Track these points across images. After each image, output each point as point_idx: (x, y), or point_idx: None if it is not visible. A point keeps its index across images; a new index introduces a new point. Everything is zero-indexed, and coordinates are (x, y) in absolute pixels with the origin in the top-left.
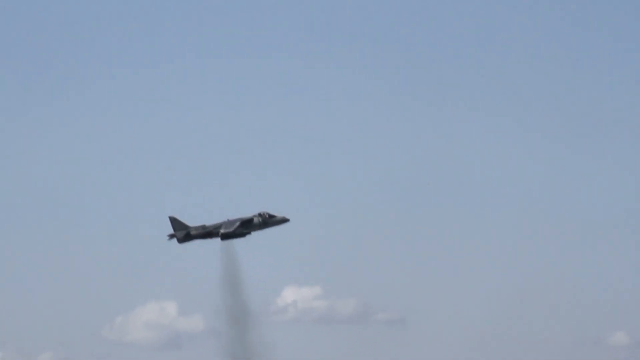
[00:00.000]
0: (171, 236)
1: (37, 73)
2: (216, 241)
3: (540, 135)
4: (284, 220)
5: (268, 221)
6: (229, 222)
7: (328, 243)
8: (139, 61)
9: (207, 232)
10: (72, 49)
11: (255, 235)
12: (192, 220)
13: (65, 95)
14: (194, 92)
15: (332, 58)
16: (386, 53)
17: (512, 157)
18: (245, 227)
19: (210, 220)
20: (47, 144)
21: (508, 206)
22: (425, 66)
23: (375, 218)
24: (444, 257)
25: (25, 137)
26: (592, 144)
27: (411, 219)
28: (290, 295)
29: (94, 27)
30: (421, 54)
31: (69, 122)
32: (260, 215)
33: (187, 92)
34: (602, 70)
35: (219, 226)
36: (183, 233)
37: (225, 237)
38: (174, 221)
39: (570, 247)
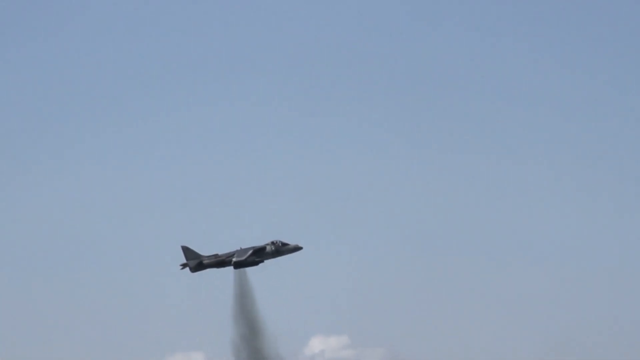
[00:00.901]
0: (184, 265)
1: (58, 107)
2: (229, 270)
3: (569, 184)
4: (297, 249)
5: (281, 249)
6: (242, 251)
7: (354, 292)
8: (153, 95)
9: (220, 261)
10: (87, 88)
11: (269, 264)
12: (205, 250)
13: (77, 130)
14: (209, 123)
15: (358, 96)
16: (415, 101)
17: (537, 204)
18: (258, 255)
19: (222, 249)
20: (61, 186)
21: (536, 254)
22: (452, 116)
23: (402, 266)
24: (472, 306)
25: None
26: (620, 194)
27: (439, 267)
28: (317, 344)
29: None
30: (447, 106)
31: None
32: (273, 243)
33: (202, 123)
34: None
35: (231, 255)
36: (195, 262)
37: (238, 265)
38: (187, 250)
39: (599, 295)
